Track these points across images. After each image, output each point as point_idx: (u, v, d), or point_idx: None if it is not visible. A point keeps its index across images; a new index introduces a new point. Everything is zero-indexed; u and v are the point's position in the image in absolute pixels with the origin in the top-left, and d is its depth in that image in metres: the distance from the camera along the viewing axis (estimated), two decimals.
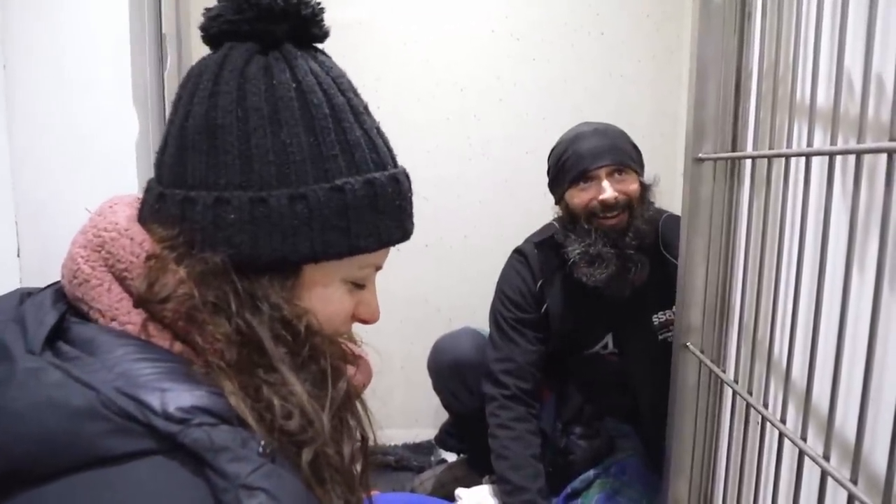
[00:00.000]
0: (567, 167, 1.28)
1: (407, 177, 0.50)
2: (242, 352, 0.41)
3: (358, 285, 0.50)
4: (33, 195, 0.48)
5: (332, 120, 0.44)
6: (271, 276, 0.43)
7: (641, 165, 1.33)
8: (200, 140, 0.42)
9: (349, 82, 0.48)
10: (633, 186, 1.27)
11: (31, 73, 0.61)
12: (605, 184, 1.25)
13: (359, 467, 0.46)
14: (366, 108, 0.48)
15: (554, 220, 1.45)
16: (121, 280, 0.42)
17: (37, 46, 0.63)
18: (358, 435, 0.47)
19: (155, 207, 0.44)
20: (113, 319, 0.41)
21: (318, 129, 0.43)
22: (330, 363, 0.45)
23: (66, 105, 0.48)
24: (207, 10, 0.45)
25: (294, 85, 0.43)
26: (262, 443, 0.37)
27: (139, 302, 0.40)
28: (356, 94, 0.48)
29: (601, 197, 1.24)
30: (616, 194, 1.24)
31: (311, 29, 0.46)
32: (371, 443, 0.49)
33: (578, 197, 1.28)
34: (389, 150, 0.49)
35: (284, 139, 0.42)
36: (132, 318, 0.41)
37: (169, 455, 0.35)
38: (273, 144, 0.42)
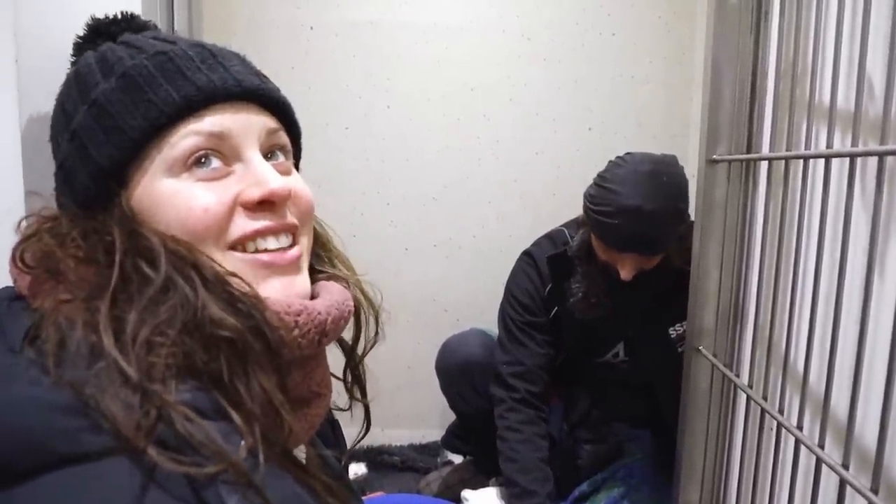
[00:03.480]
0: (604, 228, 1.18)
1: (180, 52, 0.47)
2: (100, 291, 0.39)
3: (201, 164, 0.45)
4: (44, 187, 0.48)
5: (99, 61, 0.48)
6: (107, 210, 0.44)
7: (683, 222, 1.19)
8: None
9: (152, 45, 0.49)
10: (656, 260, 1.21)
11: (42, 66, 0.61)
12: (627, 269, 1.20)
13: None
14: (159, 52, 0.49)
15: (563, 225, 1.44)
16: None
17: (49, 41, 0.63)
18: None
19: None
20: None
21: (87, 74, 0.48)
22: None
23: None
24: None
25: (93, 59, 0.49)
26: (245, 438, 0.36)
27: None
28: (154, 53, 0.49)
29: (620, 273, 1.21)
30: (633, 275, 1.20)
31: (111, 29, 0.54)
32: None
33: (600, 250, 1.24)
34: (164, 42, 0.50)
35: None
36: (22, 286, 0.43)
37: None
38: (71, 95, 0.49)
